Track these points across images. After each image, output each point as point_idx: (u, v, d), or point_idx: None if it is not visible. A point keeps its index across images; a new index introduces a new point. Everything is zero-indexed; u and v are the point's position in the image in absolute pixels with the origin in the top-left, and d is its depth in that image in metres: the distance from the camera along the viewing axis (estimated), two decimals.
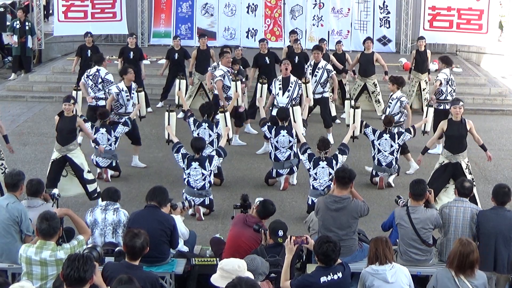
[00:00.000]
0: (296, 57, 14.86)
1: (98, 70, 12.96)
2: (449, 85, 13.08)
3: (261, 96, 11.89)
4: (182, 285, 7.62)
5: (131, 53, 15.49)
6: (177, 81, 12.68)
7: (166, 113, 11.07)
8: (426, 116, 11.56)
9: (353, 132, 10.95)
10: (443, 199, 9.71)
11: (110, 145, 11.34)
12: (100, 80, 12.86)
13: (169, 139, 10.83)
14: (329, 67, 13.74)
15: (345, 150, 10.12)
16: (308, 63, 14.28)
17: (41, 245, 6.35)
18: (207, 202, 10.08)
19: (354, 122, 11.13)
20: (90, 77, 12.97)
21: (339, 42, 16.08)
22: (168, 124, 10.97)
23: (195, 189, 9.99)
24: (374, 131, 11.29)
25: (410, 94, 15.75)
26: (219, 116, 11.01)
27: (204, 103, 12.03)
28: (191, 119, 11.29)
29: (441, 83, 12.86)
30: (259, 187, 11.33)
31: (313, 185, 9.99)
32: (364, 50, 15.40)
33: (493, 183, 9.18)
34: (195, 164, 9.97)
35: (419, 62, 15.40)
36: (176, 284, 7.47)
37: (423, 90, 15.57)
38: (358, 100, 15.53)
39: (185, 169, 9.99)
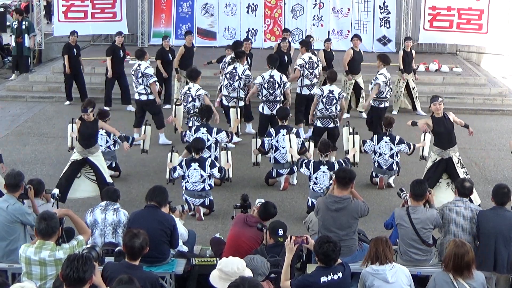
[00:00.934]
0: (285, 57, 14.94)
1: (139, 65, 13.10)
2: (387, 85, 13.14)
3: (256, 149, 11.65)
4: (182, 285, 7.62)
5: (121, 51, 15.83)
6: (174, 107, 12.38)
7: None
8: (424, 139, 11.45)
9: (354, 156, 10.89)
10: (437, 194, 9.65)
11: (109, 147, 11.35)
12: (140, 74, 12.99)
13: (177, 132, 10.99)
14: (299, 61, 13.67)
15: (348, 164, 10.19)
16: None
17: (40, 245, 6.35)
18: (207, 202, 10.08)
19: (353, 146, 11.08)
20: (133, 72, 13.18)
21: (328, 40, 16.11)
22: (175, 116, 11.30)
23: (196, 191, 9.99)
24: (372, 139, 11.33)
25: (398, 96, 15.85)
26: (221, 153, 10.84)
27: (203, 106, 12.03)
28: (188, 134, 11.14)
29: (379, 86, 12.99)
30: (259, 187, 11.33)
31: (313, 188, 10.00)
32: (353, 47, 15.47)
33: (493, 183, 9.17)
34: (194, 165, 9.96)
35: (407, 62, 15.54)
36: (176, 284, 7.47)
37: (413, 89, 15.80)
38: (351, 100, 15.60)
39: (185, 171, 9.98)
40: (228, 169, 10.56)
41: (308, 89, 13.54)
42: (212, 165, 10.05)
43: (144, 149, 11.64)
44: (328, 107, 11.93)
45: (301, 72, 13.52)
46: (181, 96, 12.21)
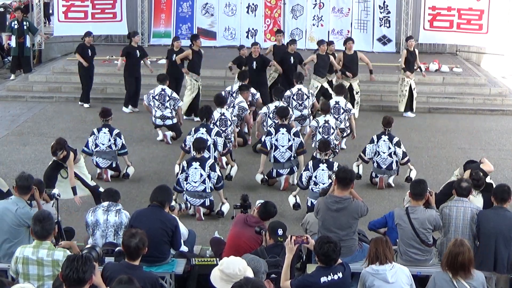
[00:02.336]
0: (292, 58, 15.03)
1: (163, 89, 13.44)
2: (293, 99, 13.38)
3: (256, 150, 12.04)
4: (182, 285, 7.62)
5: (137, 51, 15.62)
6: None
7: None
8: (413, 166, 11.47)
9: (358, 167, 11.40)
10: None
11: (110, 146, 11.34)
12: (167, 98, 13.38)
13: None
14: (286, 93, 13.50)
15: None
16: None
17: (38, 244, 6.41)
18: (207, 203, 10.07)
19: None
20: (156, 97, 13.41)
21: (331, 42, 16.06)
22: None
23: (196, 192, 9.97)
24: (372, 141, 11.33)
25: (404, 95, 15.76)
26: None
27: (203, 106, 12.05)
28: (187, 138, 11.05)
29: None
30: (259, 187, 11.32)
31: (312, 189, 10.00)
32: (346, 50, 15.32)
33: (494, 183, 9.14)
34: (195, 164, 9.96)
35: (411, 62, 15.50)
36: (176, 284, 7.47)
37: (413, 89, 15.70)
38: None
39: (187, 172, 9.96)
40: (232, 167, 11.04)
41: (300, 123, 13.35)
42: (213, 167, 10.03)
43: (127, 172, 11.49)
44: (326, 136, 11.67)
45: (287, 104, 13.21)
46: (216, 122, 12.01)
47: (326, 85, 15.07)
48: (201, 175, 9.95)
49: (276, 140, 11.15)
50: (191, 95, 14.88)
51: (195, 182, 9.95)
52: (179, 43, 15.62)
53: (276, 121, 11.84)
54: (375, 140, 11.32)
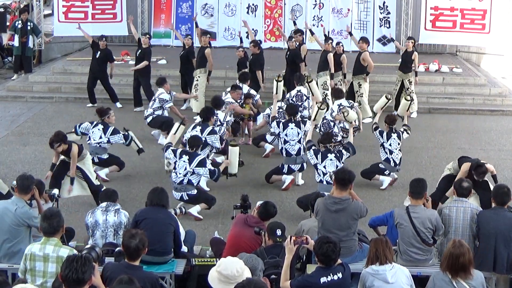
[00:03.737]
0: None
1: (160, 93, 13.46)
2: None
3: (276, 93, 12.24)
4: (182, 285, 7.64)
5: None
6: (176, 125, 11.46)
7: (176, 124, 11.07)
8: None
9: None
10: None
11: (100, 144, 11.26)
12: (157, 100, 13.36)
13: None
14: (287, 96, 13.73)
15: (349, 148, 10.20)
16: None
17: (45, 241, 6.47)
18: (185, 197, 10.03)
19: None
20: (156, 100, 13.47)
21: (338, 43, 16.08)
22: (174, 134, 10.93)
23: (175, 183, 9.98)
24: (381, 133, 11.31)
25: (394, 93, 15.73)
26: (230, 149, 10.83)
27: (205, 107, 12.01)
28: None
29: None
30: (259, 187, 11.33)
31: (321, 180, 10.04)
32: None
33: (490, 182, 9.15)
34: (185, 157, 9.98)
35: (404, 61, 15.55)
36: (176, 284, 7.49)
37: (407, 89, 15.57)
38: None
39: (176, 161, 9.99)
40: (227, 166, 10.69)
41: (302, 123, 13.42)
42: (201, 164, 9.99)
43: (142, 149, 11.69)
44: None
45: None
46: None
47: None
48: (185, 168, 9.93)
49: (286, 135, 11.21)
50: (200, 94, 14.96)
51: (180, 174, 9.97)
52: (189, 40, 15.81)
53: (282, 120, 11.86)
54: (385, 136, 11.23)
